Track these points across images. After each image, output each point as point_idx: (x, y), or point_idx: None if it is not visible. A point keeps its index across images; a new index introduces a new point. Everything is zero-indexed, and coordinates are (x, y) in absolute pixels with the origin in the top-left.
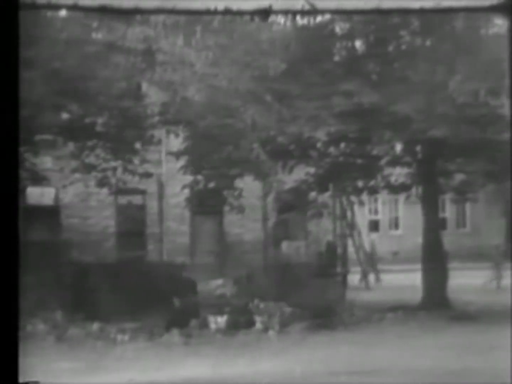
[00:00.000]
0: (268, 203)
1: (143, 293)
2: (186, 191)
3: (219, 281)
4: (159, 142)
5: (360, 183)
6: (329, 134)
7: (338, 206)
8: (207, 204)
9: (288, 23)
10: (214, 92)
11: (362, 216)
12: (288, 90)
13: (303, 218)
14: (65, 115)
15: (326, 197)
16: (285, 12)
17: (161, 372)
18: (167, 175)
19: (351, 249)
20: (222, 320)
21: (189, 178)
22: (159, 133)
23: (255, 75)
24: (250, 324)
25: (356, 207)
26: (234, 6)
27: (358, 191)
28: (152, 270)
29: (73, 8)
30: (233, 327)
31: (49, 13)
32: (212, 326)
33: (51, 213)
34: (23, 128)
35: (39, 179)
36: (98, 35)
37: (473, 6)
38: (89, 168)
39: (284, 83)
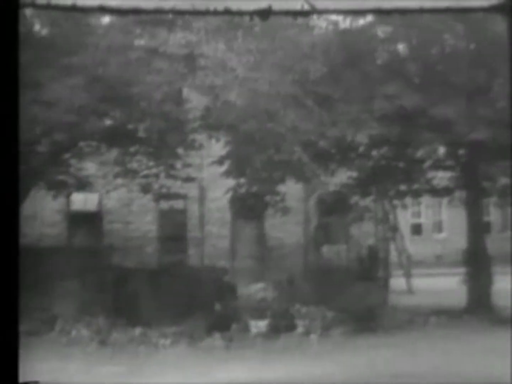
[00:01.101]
0: (309, 206)
1: (184, 298)
2: (227, 196)
3: (260, 285)
4: (201, 146)
5: (402, 187)
6: (371, 137)
7: (380, 209)
8: (249, 208)
9: (330, 27)
10: (255, 96)
11: (404, 220)
12: (329, 93)
13: (344, 222)
14: (108, 121)
15: (368, 200)
16: (285, 13)
17: (202, 376)
18: (208, 179)
19: (393, 253)
20: (263, 324)
21: (230, 182)
22: (201, 137)
23: (296, 79)
24: (291, 328)
25: (398, 211)
26: (234, 7)
27: (401, 195)
28: (193, 274)
29: (73, 8)
30: (274, 331)
31: (93, 20)
32: (253, 330)
33: (94, 218)
34: (68, 134)
35: (84, 185)
36: (140, 42)
37: (473, 6)
38: (131, 174)
39: (325, 87)
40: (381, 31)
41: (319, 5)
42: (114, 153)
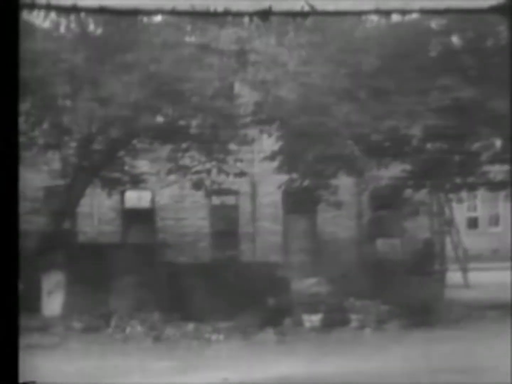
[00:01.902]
0: (362, 200)
1: (237, 293)
2: (279, 190)
3: (313, 280)
4: (252, 141)
5: (458, 180)
6: (426, 130)
7: (435, 203)
8: (301, 202)
9: (382, 20)
10: (307, 91)
11: (460, 213)
12: (382, 86)
13: (398, 215)
14: (160, 118)
15: (422, 194)
16: (285, 14)
17: (255, 371)
18: (260, 174)
19: (449, 247)
20: (316, 318)
21: (282, 177)
22: (252, 132)
23: (349, 72)
24: (345, 322)
25: (454, 204)
26: (234, 7)
27: (456, 188)
28: (245, 269)
29: (72, 8)
30: (327, 325)
31: (145, 19)
32: (307, 324)
33: (148, 215)
34: (123, 131)
35: (137, 182)
36: (191, 38)
37: (473, 6)
38: (183, 170)
39: (379, 80)
40: (435, 23)
41: (319, 5)
42: (166, 149)
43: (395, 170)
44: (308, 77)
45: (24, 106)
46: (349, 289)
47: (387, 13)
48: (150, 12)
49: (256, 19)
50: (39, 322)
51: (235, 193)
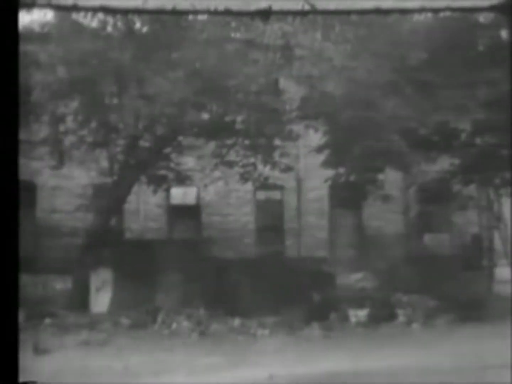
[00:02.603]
0: (409, 194)
1: (282, 288)
2: (325, 185)
3: (360, 274)
4: (298, 137)
5: (507, 174)
6: (474, 124)
7: (484, 197)
8: (347, 197)
9: (429, 13)
10: (353, 85)
11: (509, 208)
12: (430, 80)
13: (446, 210)
14: (205, 115)
15: (471, 188)
16: (285, 13)
17: (302, 366)
18: (305, 169)
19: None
20: (363, 313)
21: (327, 172)
22: (298, 128)
23: (396, 66)
24: (392, 317)
25: (503, 199)
26: (235, 7)
27: (506, 183)
28: (291, 264)
29: (73, 8)
30: (374, 321)
31: (190, 16)
32: (353, 319)
33: (193, 211)
34: (169, 128)
35: (183, 179)
36: (236, 34)
37: (473, 6)
38: (229, 166)
39: (426, 73)
40: (483, 17)
41: (319, 5)
42: (211, 146)
43: (443, 164)
44: (354, 72)
45: (73, 105)
46: (396, 284)
47: (387, 12)
48: (150, 12)
49: (300, 16)
50: (87, 319)
51: (281, 188)
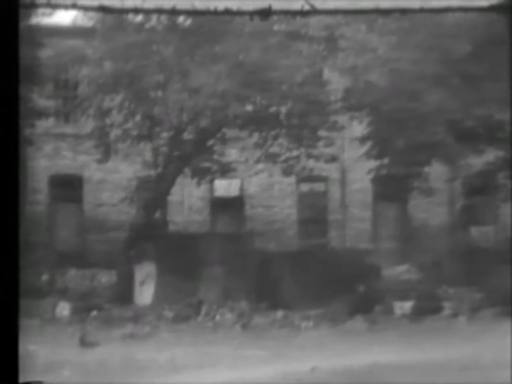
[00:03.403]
0: (455, 187)
1: (326, 280)
2: (369, 177)
3: (405, 267)
4: (342, 128)
5: None
6: None
7: None
8: (391, 189)
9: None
10: (397, 76)
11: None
12: (475, 71)
13: (492, 203)
14: (249, 106)
15: None
16: (285, 13)
17: (345, 359)
18: (350, 161)
19: None
20: (408, 305)
21: (372, 164)
22: (342, 119)
23: (440, 58)
24: (438, 309)
25: None
26: (234, 6)
27: None
28: (335, 256)
29: (72, 8)
30: (419, 313)
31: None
32: (398, 311)
33: (236, 204)
34: (212, 120)
35: (226, 171)
36: (280, 26)
37: (473, 6)
38: (272, 158)
39: (471, 65)
40: None
41: (319, 5)
42: (255, 137)
43: (488, 156)
44: (398, 63)
45: (118, 98)
46: (441, 276)
47: (386, 12)
48: (148, 11)
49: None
50: (132, 312)
51: (324, 179)
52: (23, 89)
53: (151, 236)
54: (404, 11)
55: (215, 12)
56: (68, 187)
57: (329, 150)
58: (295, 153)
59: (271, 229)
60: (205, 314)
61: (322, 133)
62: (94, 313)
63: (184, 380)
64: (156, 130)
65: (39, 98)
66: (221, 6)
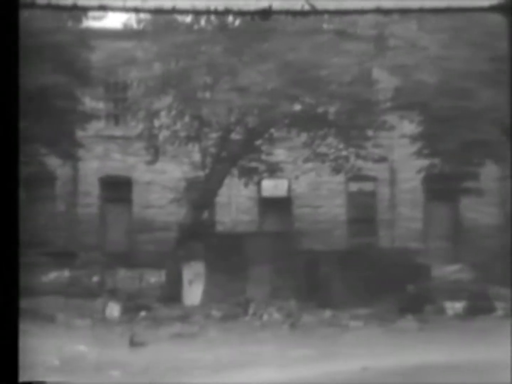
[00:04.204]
0: (506, 186)
1: (375, 279)
2: (419, 177)
3: (456, 266)
4: (392, 127)
5: None
6: None
7: None
8: (442, 188)
9: None
10: (448, 75)
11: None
12: None
13: None
14: (297, 106)
15: None
16: (285, 12)
17: (395, 358)
18: (399, 160)
19: None
20: (459, 305)
21: (422, 163)
22: (391, 118)
23: (491, 56)
24: (490, 310)
25: None
26: (235, 6)
27: None
28: (384, 256)
29: (72, 8)
30: (471, 313)
31: None
32: (449, 312)
33: (284, 203)
34: (260, 120)
35: (274, 171)
36: (329, 25)
37: (473, 6)
38: (321, 158)
39: None
40: None
41: (319, 5)
42: (303, 137)
43: None
44: (449, 61)
45: (167, 100)
46: (493, 276)
47: (386, 12)
48: (148, 11)
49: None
50: (180, 312)
51: (374, 179)
52: (77, 92)
53: (199, 236)
54: (404, 11)
55: (215, 12)
56: (117, 188)
57: (378, 150)
58: (343, 153)
59: (319, 228)
60: (253, 313)
61: (371, 132)
62: (143, 313)
63: (232, 380)
64: (204, 131)
65: (90, 100)
66: (221, 5)
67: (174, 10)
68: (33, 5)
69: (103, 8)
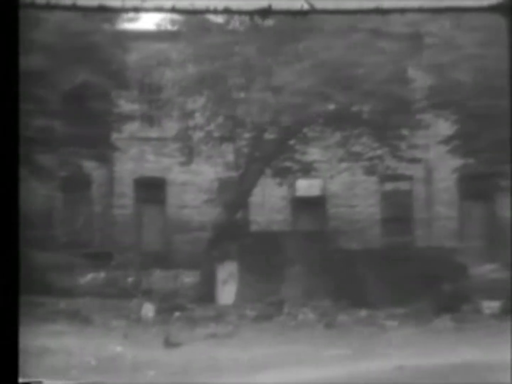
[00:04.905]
0: None
1: (411, 278)
2: (454, 175)
3: (492, 265)
4: (427, 126)
5: None
6: None
7: None
8: (478, 187)
9: None
10: (483, 73)
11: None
12: None
13: None
14: (331, 105)
15: None
16: (284, 13)
17: (431, 358)
18: (435, 159)
19: None
20: (496, 305)
21: (457, 162)
22: (427, 117)
23: None
24: None
25: None
26: (234, 6)
27: None
28: (420, 255)
29: (72, 8)
30: (507, 312)
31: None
32: (486, 311)
33: (318, 203)
34: (294, 119)
35: (308, 171)
36: (365, 24)
37: (473, 6)
38: (355, 157)
39: None
40: None
41: (319, 4)
42: (337, 137)
43: None
44: (484, 60)
45: (201, 101)
46: None
47: (386, 12)
48: (147, 11)
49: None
50: (214, 312)
51: (409, 178)
52: (113, 94)
53: (233, 236)
54: (403, 11)
55: (215, 11)
56: (152, 189)
57: (414, 149)
58: (378, 152)
59: (354, 228)
60: (287, 313)
61: (406, 131)
62: (177, 313)
63: (266, 380)
64: (238, 131)
65: (125, 102)
66: (220, 5)
67: (173, 9)
68: (33, 5)
69: (103, 8)
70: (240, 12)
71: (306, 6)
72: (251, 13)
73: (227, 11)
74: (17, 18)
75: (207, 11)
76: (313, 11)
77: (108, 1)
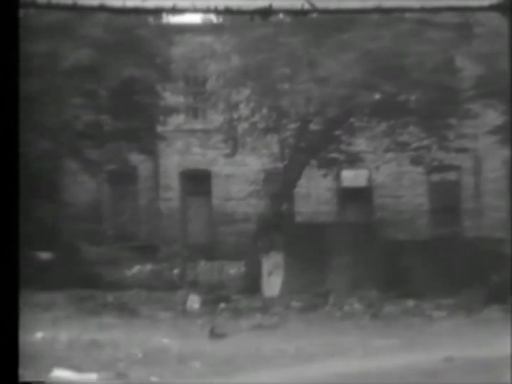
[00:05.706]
0: None
1: (459, 269)
2: (504, 165)
3: None
4: (476, 116)
5: None
6: None
7: None
8: None
9: None
10: None
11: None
12: None
13: None
14: (377, 95)
15: None
16: (285, 12)
17: (479, 349)
18: (484, 149)
19: None
20: None
21: (507, 152)
22: (475, 107)
23: None
24: None
25: None
26: (235, 5)
27: None
28: (468, 245)
29: (72, 8)
30: None
31: None
32: None
33: (364, 194)
34: (339, 109)
35: (354, 161)
36: (412, 14)
37: (473, 5)
38: (402, 147)
39: None
40: None
41: (319, 4)
42: (383, 126)
43: None
44: None
45: (245, 92)
46: None
47: (386, 11)
48: (147, 11)
49: None
50: (260, 303)
51: (457, 169)
52: (158, 87)
53: (278, 227)
54: (403, 10)
55: (215, 11)
56: (197, 182)
57: (462, 139)
58: (425, 142)
59: (401, 218)
60: (333, 303)
61: (454, 121)
62: (223, 305)
63: (312, 370)
64: (282, 122)
65: (171, 95)
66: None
67: (174, 9)
68: (33, 5)
69: (103, 8)
70: (240, 12)
71: (307, 6)
72: (251, 13)
73: (227, 11)
74: (17, 18)
75: (207, 10)
76: (314, 10)
77: (109, 1)
